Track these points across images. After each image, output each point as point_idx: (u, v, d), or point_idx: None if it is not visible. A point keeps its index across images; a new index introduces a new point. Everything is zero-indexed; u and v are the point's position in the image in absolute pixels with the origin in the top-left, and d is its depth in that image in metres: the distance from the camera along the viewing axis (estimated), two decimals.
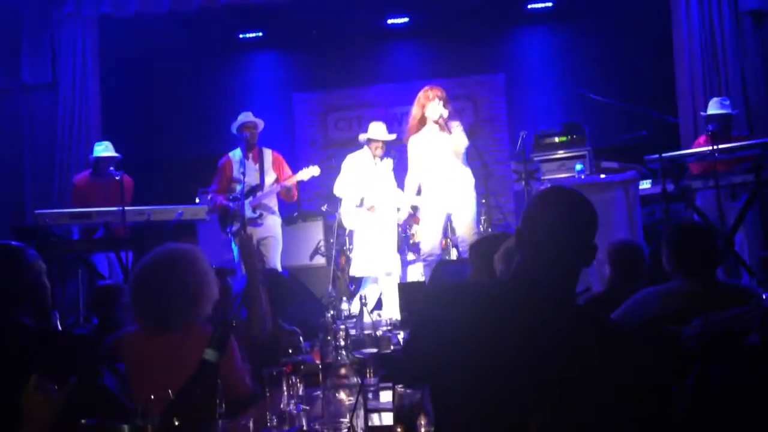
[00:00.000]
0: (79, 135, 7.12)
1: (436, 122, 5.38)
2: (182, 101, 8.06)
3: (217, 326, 1.49)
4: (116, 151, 6.01)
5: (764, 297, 3.13)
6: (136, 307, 2.20)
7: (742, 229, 5.25)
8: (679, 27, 6.82)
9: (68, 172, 6.98)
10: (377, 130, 5.98)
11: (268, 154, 5.97)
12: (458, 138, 5.37)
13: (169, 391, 1.40)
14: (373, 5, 8.10)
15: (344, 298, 6.46)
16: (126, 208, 5.27)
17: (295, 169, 6.03)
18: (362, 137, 6.14)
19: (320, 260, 7.04)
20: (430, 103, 5.37)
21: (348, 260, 6.97)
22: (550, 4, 8.27)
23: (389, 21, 8.45)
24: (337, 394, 1.64)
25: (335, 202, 7.17)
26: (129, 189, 5.84)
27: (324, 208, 7.17)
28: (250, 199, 5.79)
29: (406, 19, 8.45)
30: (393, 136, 6.06)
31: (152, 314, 2.17)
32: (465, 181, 5.47)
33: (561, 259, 1.52)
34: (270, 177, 5.89)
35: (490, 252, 2.58)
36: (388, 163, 6.03)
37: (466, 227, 5.42)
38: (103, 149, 5.95)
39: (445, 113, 5.36)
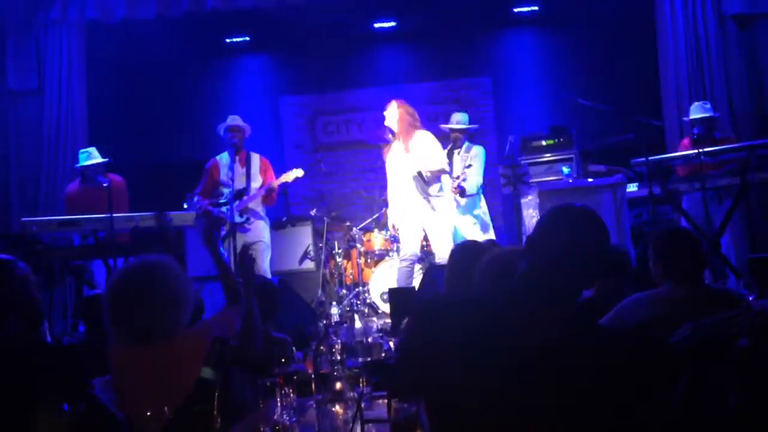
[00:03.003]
0: (65, 141, 7.04)
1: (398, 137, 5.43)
2: (170, 106, 8.02)
3: (214, 344, 1.49)
4: (103, 157, 5.87)
5: (751, 300, 3.17)
6: (112, 322, 2.15)
7: (729, 231, 5.30)
8: (664, 31, 6.89)
9: (55, 178, 6.91)
10: (457, 119, 6.04)
11: (255, 159, 5.94)
12: (421, 158, 5.36)
13: (166, 408, 1.40)
14: (361, 9, 8.11)
15: (333, 303, 6.46)
16: (114, 215, 5.22)
17: (281, 174, 6.02)
18: (444, 127, 6.21)
19: (309, 265, 7.04)
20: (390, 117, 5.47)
21: (337, 265, 6.97)
22: (536, 8, 8.31)
23: (376, 25, 8.46)
24: (331, 407, 1.64)
25: (323, 206, 7.17)
26: (120, 192, 5.76)
27: (313, 212, 7.17)
28: (237, 203, 5.76)
29: (393, 23, 8.46)
30: (474, 126, 6.21)
31: (129, 329, 2.13)
32: (435, 205, 5.45)
33: (568, 276, 1.54)
34: (256, 182, 5.85)
35: (467, 262, 2.57)
36: (475, 151, 6.02)
37: (440, 247, 5.37)
38: (86, 157, 5.83)
39: (396, 129, 5.42)
